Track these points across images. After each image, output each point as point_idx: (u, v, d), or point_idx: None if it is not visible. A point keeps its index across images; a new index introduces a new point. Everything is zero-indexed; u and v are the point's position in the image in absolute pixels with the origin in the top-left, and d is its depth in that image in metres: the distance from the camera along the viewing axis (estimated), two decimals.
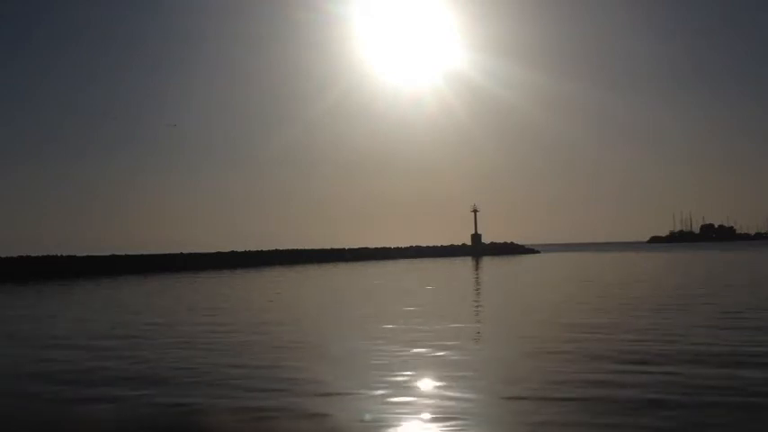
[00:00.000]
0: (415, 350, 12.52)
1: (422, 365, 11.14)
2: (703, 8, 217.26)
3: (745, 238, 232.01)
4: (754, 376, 9.52)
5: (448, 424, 7.61)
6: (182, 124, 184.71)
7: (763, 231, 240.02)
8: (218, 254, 73.55)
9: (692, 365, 10.33)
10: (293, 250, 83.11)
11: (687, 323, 15.38)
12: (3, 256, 52.41)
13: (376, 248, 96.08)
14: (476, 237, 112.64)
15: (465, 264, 66.45)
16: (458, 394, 8.96)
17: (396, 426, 7.66)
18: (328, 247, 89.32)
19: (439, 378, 9.98)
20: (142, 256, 63.82)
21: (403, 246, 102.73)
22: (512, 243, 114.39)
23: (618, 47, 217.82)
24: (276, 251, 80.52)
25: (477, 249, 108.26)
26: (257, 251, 78.49)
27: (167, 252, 67.78)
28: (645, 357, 11.06)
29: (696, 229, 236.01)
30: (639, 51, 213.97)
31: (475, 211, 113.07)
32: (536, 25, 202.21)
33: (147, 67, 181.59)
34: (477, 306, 23.18)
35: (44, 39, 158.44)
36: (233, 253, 75.57)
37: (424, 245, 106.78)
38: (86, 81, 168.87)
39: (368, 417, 8.03)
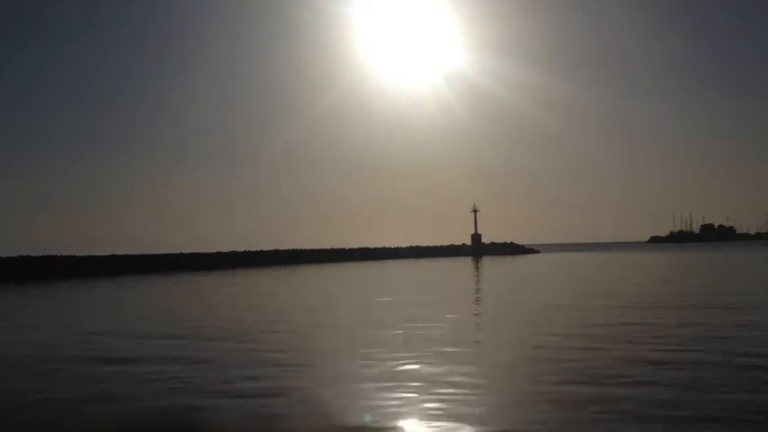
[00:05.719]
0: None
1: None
2: (703, 8, 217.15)
3: (745, 237, 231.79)
4: None
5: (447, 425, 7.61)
6: (182, 124, 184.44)
7: (763, 231, 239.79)
8: (218, 254, 73.57)
9: None
10: (293, 250, 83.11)
11: None
12: (3, 256, 52.39)
13: (376, 248, 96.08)
14: (476, 237, 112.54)
15: (465, 265, 66.37)
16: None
17: (395, 426, 7.65)
18: (328, 247, 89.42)
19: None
20: (142, 256, 63.83)
21: (403, 246, 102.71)
22: (512, 243, 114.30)
23: (617, 47, 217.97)
24: (276, 251, 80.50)
25: (478, 249, 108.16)
26: (257, 251, 78.48)
27: (167, 252, 67.80)
28: None
29: (696, 229, 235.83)
30: (639, 51, 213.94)
31: (475, 211, 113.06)
32: (536, 25, 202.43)
33: (147, 67, 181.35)
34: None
35: (44, 38, 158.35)
36: (233, 253, 75.57)
37: (425, 245, 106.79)
38: (86, 81, 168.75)
39: (368, 418, 8.00)
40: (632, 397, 8.55)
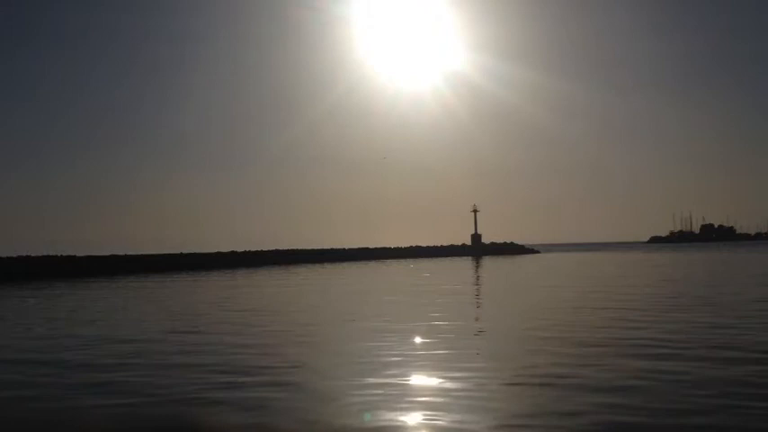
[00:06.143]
0: None
1: None
2: (703, 8, 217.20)
3: (745, 237, 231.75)
4: None
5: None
6: (181, 124, 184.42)
7: (763, 231, 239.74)
8: (218, 254, 73.57)
9: None
10: (293, 250, 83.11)
11: None
12: (3, 256, 52.39)
13: (376, 248, 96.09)
14: (476, 237, 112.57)
15: (465, 265, 66.40)
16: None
17: (395, 426, 7.65)
18: (328, 247, 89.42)
19: None
20: (142, 256, 63.84)
21: (403, 246, 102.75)
22: (512, 243, 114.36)
23: (618, 47, 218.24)
24: (276, 251, 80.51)
25: (478, 249, 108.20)
26: (257, 251, 78.48)
27: (167, 252, 67.81)
28: None
29: (696, 229, 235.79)
30: (639, 51, 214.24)
31: (475, 211, 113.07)
32: (536, 25, 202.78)
33: (147, 67, 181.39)
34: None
35: (45, 39, 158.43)
36: (233, 253, 75.57)
37: (425, 245, 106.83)
38: (86, 81, 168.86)
39: (368, 418, 8.00)
40: (632, 396, 8.56)
